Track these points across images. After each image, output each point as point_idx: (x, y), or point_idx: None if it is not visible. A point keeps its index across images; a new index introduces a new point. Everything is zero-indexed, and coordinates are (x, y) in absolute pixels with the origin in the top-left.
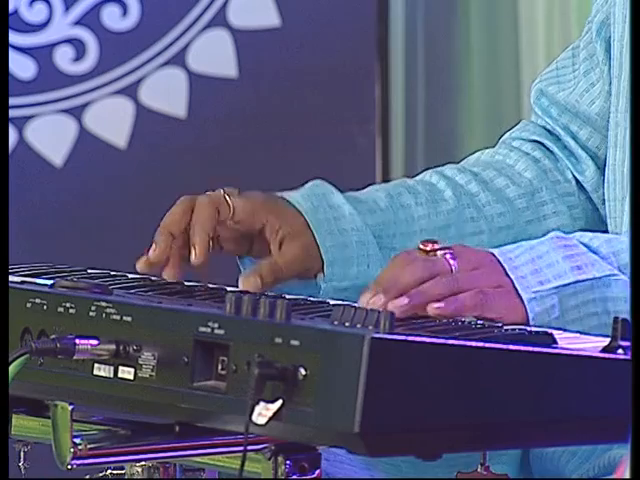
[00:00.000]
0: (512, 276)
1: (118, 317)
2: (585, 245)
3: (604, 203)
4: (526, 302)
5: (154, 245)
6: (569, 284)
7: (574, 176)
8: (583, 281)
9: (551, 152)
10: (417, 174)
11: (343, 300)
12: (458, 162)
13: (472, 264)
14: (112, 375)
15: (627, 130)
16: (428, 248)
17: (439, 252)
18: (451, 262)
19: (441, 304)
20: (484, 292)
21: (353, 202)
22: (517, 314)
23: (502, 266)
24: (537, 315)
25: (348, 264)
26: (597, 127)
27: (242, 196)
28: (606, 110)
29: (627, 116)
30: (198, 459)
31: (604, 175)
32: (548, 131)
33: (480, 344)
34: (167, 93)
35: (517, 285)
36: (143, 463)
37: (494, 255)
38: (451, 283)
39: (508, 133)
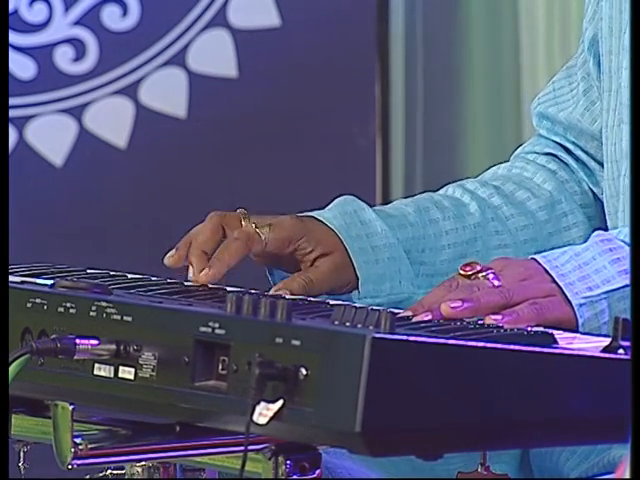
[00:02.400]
0: (560, 283)
1: (118, 317)
2: (629, 245)
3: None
4: (576, 308)
5: (190, 267)
6: (618, 289)
7: (590, 188)
8: None
9: (566, 164)
10: (416, 176)
11: None
12: (458, 162)
13: (520, 275)
14: (112, 375)
15: (616, 145)
16: (469, 272)
17: (481, 274)
18: (495, 283)
19: (498, 316)
20: (538, 302)
21: (384, 217)
22: (568, 320)
23: (549, 274)
24: (587, 320)
25: (381, 280)
26: (602, 142)
27: (274, 228)
28: None
29: (616, 130)
30: (198, 459)
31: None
32: (559, 144)
33: (480, 344)
34: (167, 93)
35: (566, 292)
36: (143, 463)
37: (538, 262)
38: (504, 292)
39: (520, 148)
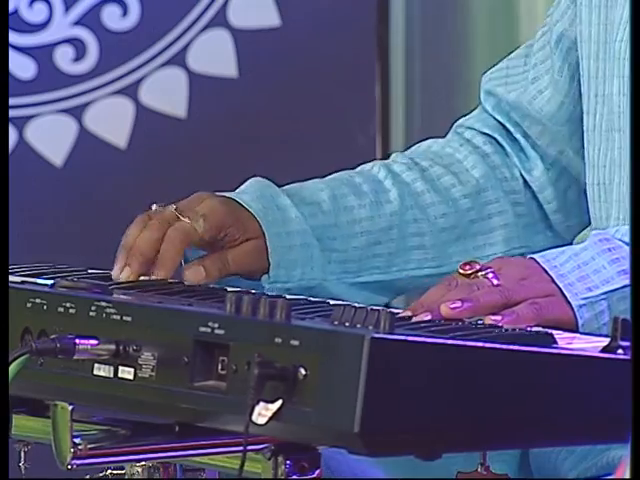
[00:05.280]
0: (560, 284)
1: (118, 317)
2: (628, 244)
3: (549, 203)
4: (576, 309)
5: (127, 268)
6: (617, 289)
7: (521, 174)
8: None
9: (502, 147)
10: None
11: None
12: None
13: (519, 274)
14: (112, 375)
15: (601, 151)
16: (468, 271)
17: (480, 273)
18: (494, 282)
19: (498, 317)
20: (537, 302)
21: (299, 204)
22: (567, 321)
23: (548, 274)
24: (587, 321)
25: (292, 266)
26: (548, 129)
27: (207, 218)
28: (558, 116)
29: (604, 136)
30: (198, 459)
31: (548, 179)
32: (500, 124)
33: (480, 344)
34: (167, 93)
35: (566, 292)
36: (143, 463)
37: (537, 262)
38: (503, 292)
39: (463, 119)
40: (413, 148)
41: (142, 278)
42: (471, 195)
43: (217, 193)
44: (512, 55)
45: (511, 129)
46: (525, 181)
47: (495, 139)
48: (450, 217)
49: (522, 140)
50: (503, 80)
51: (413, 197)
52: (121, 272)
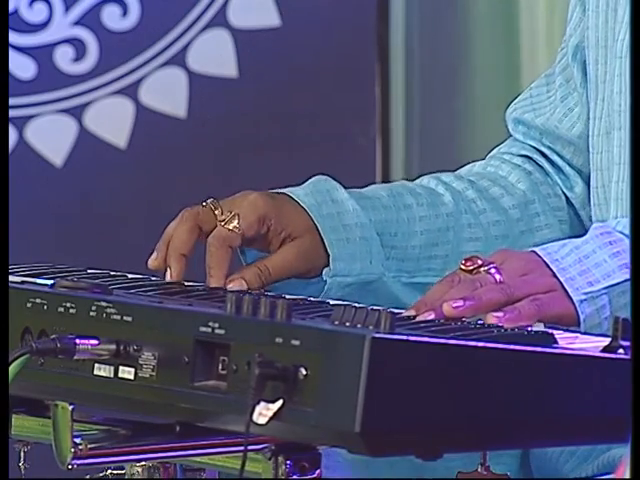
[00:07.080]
0: (561, 278)
1: (118, 317)
2: (628, 237)
3: (590, 220)
4: (577, 304)
5: (168, 270)
6: (618, 283)
7: (563, 192)
8: None
9: (540, 167)
10: (416, 176)
11: (346, 297)
12: (458, 162)
13: (521, 269)
14: (112, 375)
15: (602, 154)
16: (470, 267)
17: (482, 268)
18: (497, 277)
19: (500, 314)
20: (538, 298)
21: (357, 198)
22: (569, 316)
23: (549, 268)
24: (588, 316)
25: (352, 259)
26: (580, 148)
27: (243, 215)
28: (587, 133)
29: (604, 138)
30: (198, 459)
31: (589, 196)
32: (535, 148)
33: (480, 344)
34: (167, 93)
35: (567, 287)
36: (143, 463)
37: (538, 255)
38: (505, 289)
39: (496, 149)
40: (454, 172)
41: (135, 276)
42: (520, 206)
43: (273, 190)
44: (533, 85)
45: (546, 152)
46: (567, 199)
47: (533, 159)
48: (502, 226)
49: (559, 161)
50: (530, 107)
51: (466, 203)
52: (167, 277)
